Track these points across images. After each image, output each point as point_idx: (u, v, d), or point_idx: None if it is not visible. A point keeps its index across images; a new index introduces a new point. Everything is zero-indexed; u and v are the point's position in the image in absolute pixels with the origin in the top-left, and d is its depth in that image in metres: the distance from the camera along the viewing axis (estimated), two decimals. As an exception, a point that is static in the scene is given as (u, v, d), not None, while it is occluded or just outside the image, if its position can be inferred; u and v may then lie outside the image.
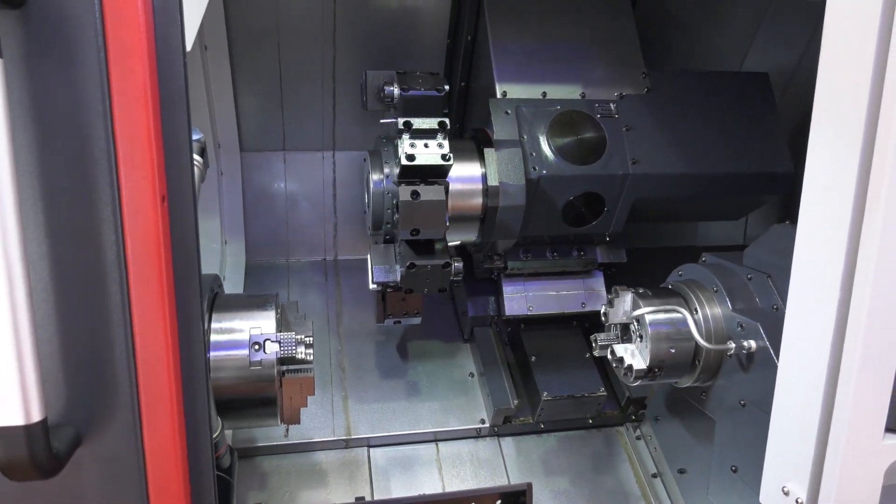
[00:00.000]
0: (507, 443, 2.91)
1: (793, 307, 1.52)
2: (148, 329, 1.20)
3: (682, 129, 2.76)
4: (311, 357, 1.91)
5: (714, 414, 2.19)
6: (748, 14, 3.31)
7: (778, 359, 1.89)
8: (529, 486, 2.12)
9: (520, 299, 2.97)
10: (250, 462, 2.68)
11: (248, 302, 1.94)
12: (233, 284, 3.25)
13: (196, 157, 1.50)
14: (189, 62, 1.20)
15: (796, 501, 1.48)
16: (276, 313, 1.92)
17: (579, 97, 2.73)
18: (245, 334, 1.83)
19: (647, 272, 3.47)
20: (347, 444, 2.78)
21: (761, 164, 2.77)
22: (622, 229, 2.83)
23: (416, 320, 2.80)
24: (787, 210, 3.76)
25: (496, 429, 2.90)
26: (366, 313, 3.28)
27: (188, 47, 1.22)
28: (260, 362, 1.80)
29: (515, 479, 2.79)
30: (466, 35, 2.93)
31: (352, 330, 3.21)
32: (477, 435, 2.90)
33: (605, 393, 2.87)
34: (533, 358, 2.97)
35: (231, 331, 1.84)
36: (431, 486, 2.71)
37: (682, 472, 2.56)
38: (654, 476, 2.76)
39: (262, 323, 1.86)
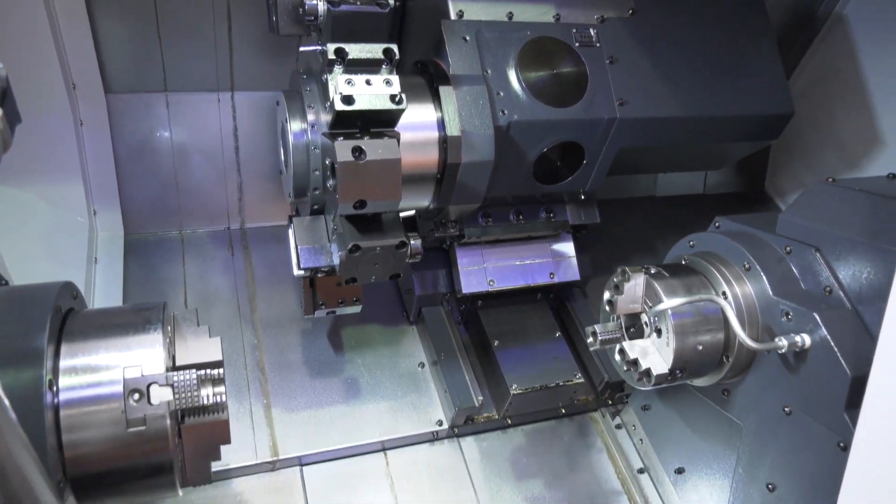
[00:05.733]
0: (469, 444, 2.43)
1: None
2: None
3: (674, 61, 2.26)
4: (224, 398, 1.30)
5: (741, 418, 1.78)
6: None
7: (841, 354, 1.51)
8: None
9: (478, 273, 2.45)
10: (147, 504, 2.05)
11: (120, 322, 1.29)
12: (108, 268, 2.51)
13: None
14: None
15: None
16: (166, 336, 1.29)
17: (552, 20, 2.16)
18: (117, 374, 1.19)
19: (616, 232, 3.03)
20: (274, 465, 2.21)
21: (763, 105, 2.33)
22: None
23: (356, 309, 2.21)
24: (762, 153, 3.41)
25: (456, 430, 2.41)
26: (286, 295, 2.65)
27: None
28: (143, 419, 1.17)
29: (481, 488, 2.32)
30: (403, -65, 2.26)
31: (270, 318, 2.57)
32: (433, 438, 2.40)
33: (582, 380, 2.43)
34: (496, 342, 2.47)
35: (93, 370, 1.19)
36: (383, 508, 2.22)
37: (679, 471, 2.18)
38: (641, 471, 2.37)
39: (144, 356, 1.23)
